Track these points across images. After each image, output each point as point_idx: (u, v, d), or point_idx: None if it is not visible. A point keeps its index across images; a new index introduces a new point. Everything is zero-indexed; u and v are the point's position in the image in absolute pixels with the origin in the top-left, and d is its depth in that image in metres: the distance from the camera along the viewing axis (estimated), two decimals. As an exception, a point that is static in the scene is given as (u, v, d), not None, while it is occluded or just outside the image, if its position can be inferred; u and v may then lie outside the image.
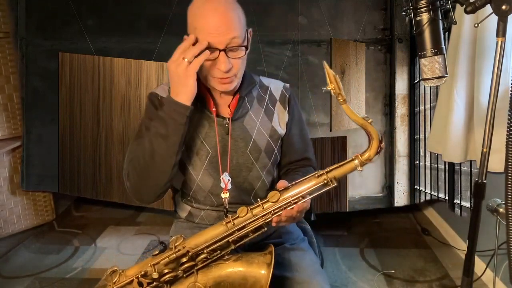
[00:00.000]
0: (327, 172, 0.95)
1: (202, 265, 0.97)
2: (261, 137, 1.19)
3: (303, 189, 0.95)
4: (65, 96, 2.68)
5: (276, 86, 1.26)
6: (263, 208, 0.95)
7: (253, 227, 0.95)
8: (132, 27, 2.62)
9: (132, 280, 0.96)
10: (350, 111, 0.91)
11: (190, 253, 0.94)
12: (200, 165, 1.17)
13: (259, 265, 0.95)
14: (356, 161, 0.94)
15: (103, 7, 2.64)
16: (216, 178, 1.17)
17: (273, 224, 0.97)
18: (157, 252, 0.96)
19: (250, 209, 0.95)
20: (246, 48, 1.07)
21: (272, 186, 1.26)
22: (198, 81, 1.14)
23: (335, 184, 0.95)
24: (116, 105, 2.64)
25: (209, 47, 1.02)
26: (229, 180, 1.13)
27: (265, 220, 0.95)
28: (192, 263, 0.96)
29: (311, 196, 0.97)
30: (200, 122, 1.17)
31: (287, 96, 1.25)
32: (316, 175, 0.95)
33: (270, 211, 0.95)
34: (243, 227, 0.95)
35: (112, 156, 2.68)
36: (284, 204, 0.95)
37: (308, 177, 0.96)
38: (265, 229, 0.96)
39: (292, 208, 0.96)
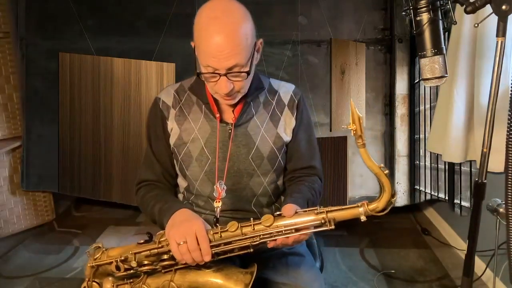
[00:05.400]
0: (327, 212, 0.92)
1: (181, 266, 0.97)
2: (264, 143, 1.16)
3: (298, 222, 0.93)
4: (65, 96, 2.68)
5: (285, 91, 1.22)
6: (253, 229, 0.93)
7: (239, 246, 0.94)
8: (132, 27, 2.62)
9: (111, 262, 0.97)
10: (367, 156, 0.86)
11: (171, 253, 0.94)
12: (199, 171, 1.16)
13: (237, 283, 0.94)
14: (361, 209, 0.91)
15: (103, 7, 2.64)
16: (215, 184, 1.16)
17: (269, 246, 0.95)
18: (142, 241, 0.97)
19: (241, 226, 0.94)
20: (248, 73, 1.02)
21: (276, 193, 1.24)
22: (204, 85, 1.14)
23: (332, 227, 0.92)
24: (116, 105, 2.64)
25: (210, 72, 1.00)
26: (224, 188, 1.08)
27: (252, 242, 0.93)
28: (172, 262, 0.96)
29: (309, 232, 0.93)
30: (204, 127, 1.15)
31: (296, 101, 1.21)
32: (316, 211, 0.93)
33: (260, 235, 0.93)
34: (229, 242, 0.93)
35: (112, 156, 2.68)
36: (276, 232, 0.93)
37: (308, 210, 0.94)
38: (251, 250, 0.95)
39: (288, 237, 0.93)
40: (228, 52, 0.96)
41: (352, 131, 0.84)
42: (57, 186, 2.76)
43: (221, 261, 0.97)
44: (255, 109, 1.17)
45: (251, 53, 1.01)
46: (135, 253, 0.95)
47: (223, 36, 0.96)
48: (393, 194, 0.89)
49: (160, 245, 0.95)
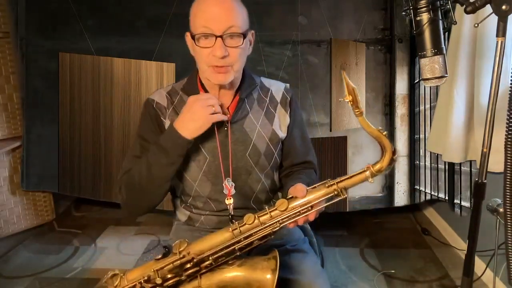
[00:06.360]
0: (337, 183, 0.93)
1: (205, 270, 0.96)
2: (260, 140, 1.17)
3: (312, 199, 0.94)
4: (65, 96, 2.68)
5: (277, 88, 1.24)
6: (270, 216, 0.94)
7: (260, 236, 0.94)
8: (132, 27, 2.62)
9: (135, 285, 0.94)
10: (365, 123, 0.89)
11: (195, 260, 0.93)
12: (197, 171, 1.15)
13: (264, 270, 0.94)
14: (368, 172, 0.92)
15: (103, 7, 2.63)
16: (215, 183, 1.16)
17: (290, 226, 0.97)
18: (160, 256, 0.95)
19: (258, 216, 0.94)
20: (244, 36, 1.06)
21: (273, 189, 1.25)
22: (197, 85, 1.15)
23: (345, 196, 0.93)
24: (116, 105, 2.64)
25: (206, 33, 1.03)
26: (232, 185, 1.11)
27: (272, 229, 0.94)
28: (196, 268, 0.95)
29: (325, 205, 0.96)
30: None
31: (289, 98, 1.23)
32: (326, 184, 0.94)
33: (278, 220, 0.94)
34: (250, 235, 0.94)
35: (112, 156, 2.68)
36: (293, 214, 0.94)
37: (318, 186, 0.95)
38: (272, 237, 0.96)
39: (307, 215, 0.95)
40: (225, 14, 1.03)
41: (349, 102, 0.89)
42: (57, 186, 2.76)
43: (241, 255, 0.97)
44: (249, 105, 1.18)
45: (246, 28, 1.07)
46: (157, 270, 0.93)
47: (220, 2, 1.04)
48: (393, 152, 0.91)
49: (181, 255, 0.93)
